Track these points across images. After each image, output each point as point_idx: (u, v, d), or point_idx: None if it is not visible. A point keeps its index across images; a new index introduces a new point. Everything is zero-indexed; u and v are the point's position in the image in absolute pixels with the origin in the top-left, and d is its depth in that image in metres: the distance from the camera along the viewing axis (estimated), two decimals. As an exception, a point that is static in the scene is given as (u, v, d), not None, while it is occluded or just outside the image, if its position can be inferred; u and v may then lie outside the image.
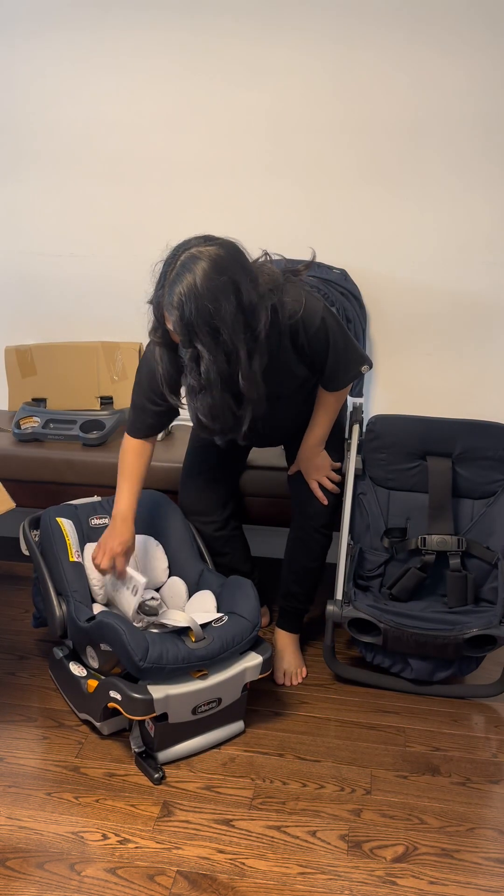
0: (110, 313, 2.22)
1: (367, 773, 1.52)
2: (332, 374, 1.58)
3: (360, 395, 1.99)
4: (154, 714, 1.41)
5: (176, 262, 1.28)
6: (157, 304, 1.32)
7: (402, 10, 1.87)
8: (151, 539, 1.78)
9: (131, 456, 1.62)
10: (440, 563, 1.75)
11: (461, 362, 2.09)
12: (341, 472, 1.78)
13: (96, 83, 2.07)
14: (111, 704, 1.46)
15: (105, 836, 1.36)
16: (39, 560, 1.66)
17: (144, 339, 2.31)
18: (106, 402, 2.23)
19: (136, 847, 1.34)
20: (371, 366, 1.65)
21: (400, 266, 2.04)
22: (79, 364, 2.22)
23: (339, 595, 1.70)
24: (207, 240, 1.30)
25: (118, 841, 1.35)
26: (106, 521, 1.75)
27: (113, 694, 1.45)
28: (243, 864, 1.31)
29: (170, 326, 1.31)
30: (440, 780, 1.51)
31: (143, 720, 1.46)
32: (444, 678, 1.73)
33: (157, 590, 1.76)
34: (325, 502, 1.73)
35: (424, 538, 1.75)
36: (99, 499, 1.81)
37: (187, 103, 2.04)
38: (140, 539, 1.75)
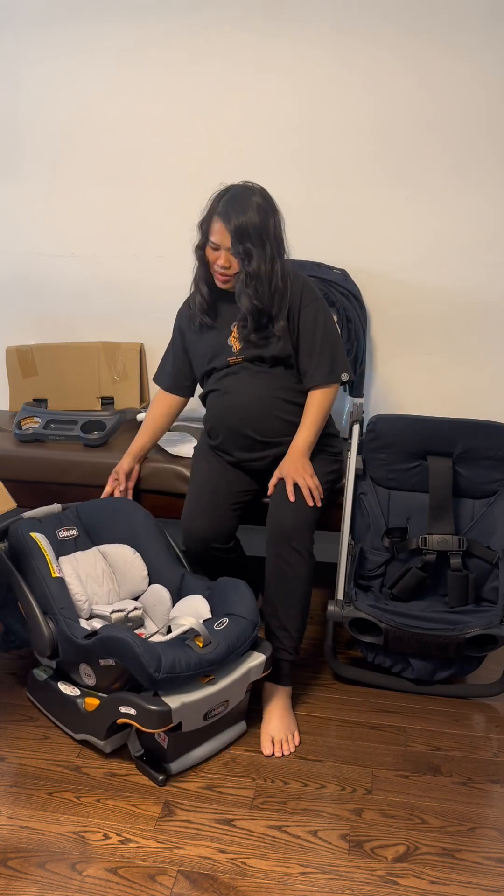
0: (111, 313, 2.22)
1: (368, 772, 1.53)
2: (312, 360, 1.70)
3: (360, 395, 2.00)
4: (172, 724, 1.38)
5: (227, 191, 1.64)
6: (208, 218, 1.65)
7: (406, 10, 1.88)
8: (128, 548, 1.74)
9: (156, 406, 1.91)
10: (441, 562, 1.75)
11: (461, 362, 2.09)
12: (332, 480, 1.76)
13: (97, 83, 2.07)
14: (122, 720, 1.42)
15: (106, 836, 1.36)
16: (18, 579, 1.58)
17: (145, 340, 2.32)
18: (107, 402, 2.24)
19: (138, 847, 1.34)
20: (352, 376, 1.72)
21: (400, 266, 2.05)
22: (80, 364, 2.22)
23: (339, 595, 1.70)
24: (250, 185, 1.67)
25: (119, 841, 1.35)
26: (73, 532, 1.74)
27: (125, 709, 1.40)
28: (244, 863, 1.31)
29: (214, 237, 1.63)
30: (441, 779, 1.51)
31: (156, 732, 1.42)
32: (445, 678, 1.74)
33: (137, 598, 1.73)
34: (292, 499, 1.62)
35: (425, 538, 1.75)
36: (60, 507, 1.78)
37: (188, 103, 2.05)
38: (115, 549, 1.74)
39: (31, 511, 1.75)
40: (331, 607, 1.68)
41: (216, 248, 1.65)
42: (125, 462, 1.86)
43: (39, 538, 1.63)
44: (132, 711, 1.39)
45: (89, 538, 1.78)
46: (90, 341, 2.24)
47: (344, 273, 1.95)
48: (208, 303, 1.75)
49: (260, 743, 1.58)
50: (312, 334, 1.71)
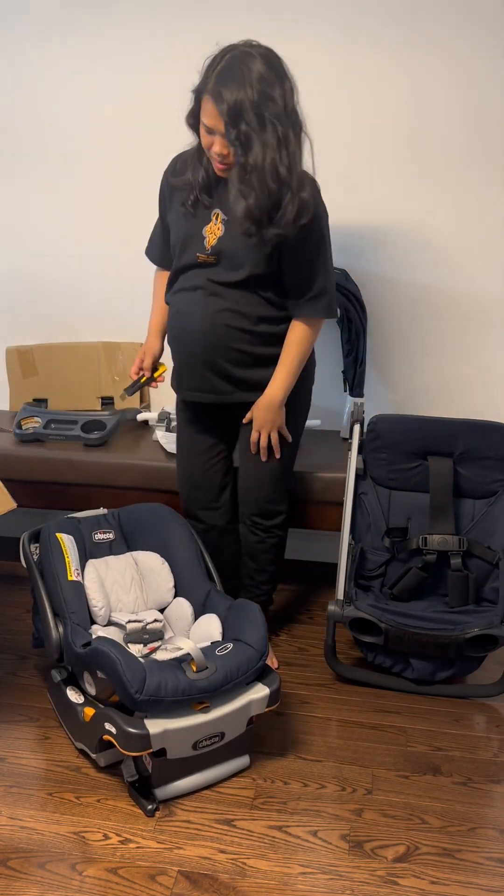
0: (111, 314, 2.23)
1: (368, 772, 1.53)
2: (305, 285, 1.50)
3: (360, 395, 2.00)
4: (151, 750, 1.33)
5: (222, 58, 1.35)
6: (199, 90, 1.39)
7: (403, 13, 1.89)
8: (157, 556, 1.71)
9: (157, 286, 1.77)
10: (441, 562, 1.76)
11: (461, 362, 2.10)
12: (302, 427, 1.71)
13: (96, 85, 2.08)
14: (106, 737, 1.38)
15: (106, 836, 1.36)
16: (37, 579, 1.58)
17: (145, 340, 2.31)
18: (107, 402, 2.24)
19: (138, 847, 1.34)
20: (337, 316, 1.63)
21: (400, 266, 2.05)
22: (80, 364, 2.22)
23: (340, 595, 1.71)
24: (254, 44, 1.38)
25: (119, 841, 1.35)
26: (110, 535, 1.72)
27: (108, 726, 1.36)
28: (244, 863, 1.32)
29: (207, 119, 1.38)
30: (441, 779, 1.52)
31: (140, 756, 1.37)
32: (446, 678, 1.74)
33: (162, 611, 1.69)
34: (254, 451, 1.61)
35: (426, 538, 1.75)
36: (105, 511, 1.77)
37: (187, 104, 2.06)
38: (145, 556, 1.71)
39: (77, 513, 1.74)
40: (331, 607, 1.68)
41: (210, 132, 1.39)
42: (152, 341, 1.78)
43: (64, 539, 1.61)
44: (113, 730, 1.34)
45: (125, 542, 1.76)
46: (90, 341, 2.24)
47: (344, 273, 1.95)
48: (205, 183, 1.49)
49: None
50: (314, 255, 1.48)
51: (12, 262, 2.23)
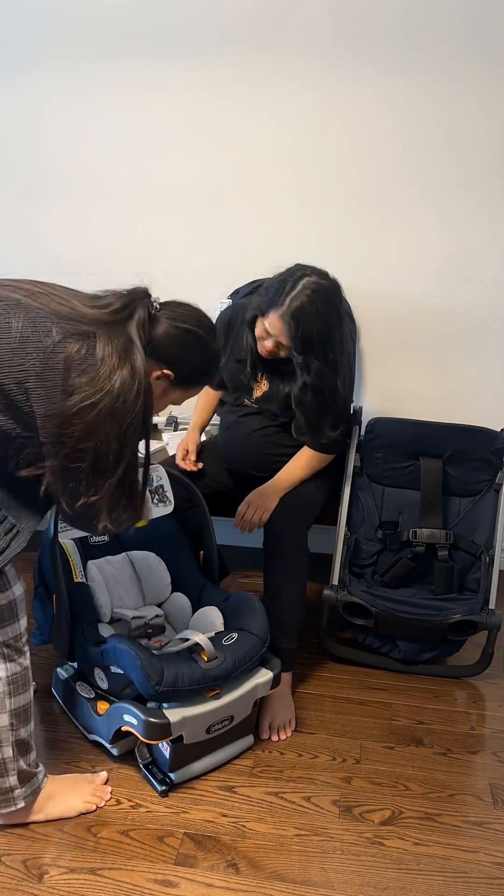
0: None
1: (357, 744, 1.61)
2: (312, 427, 1.68)
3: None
4: (171, 737, 1.38)
5: (297, 282, 1.52)
6: (268, 306, 1.55)
7: (394, 43, 1.95)
8: (153, 555, 1.77)
9: (201, 399, 1.95)
10: (429, 554, 1.84)
11: (446, 372, 2.17)
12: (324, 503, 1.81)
13: (111, 118, 2.15)
14: (125, 728, 1.42)
15: (119, 802, 1.44)
16: (50, 581, 1.59)
17: None
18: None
19: (147, 811, 1.42)
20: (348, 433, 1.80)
21: (389, 283, 2.12)
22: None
23: (335, 580, 1.78)
24: (322, 274, 1.56)
25: (131, 806, 1.43)
26: (105, 537, 1.75)
27: (128, 718, 1.40)
28: (244, 826, 1.40)
29: (271, 329, 1.55)
30: (424, 750, 1.61)
31: (157, 743, 1.42)
32: (429, 659, 1.83)
33: (161, 605, 1.74)
34: (235, 526, 1.70)
35: (415, 531, 1.83)
36: None
37: (194, 132, 2.12)
38: (140, 555, 1.76)
39: None
40: (326, 591, 1.76)
41: (268, 335, 1.59)
42: (192, 436, 1.91)
43: (66, 543, 1.64)
44: (133, 721, 1.39)
45: (119, 544, 1.79)
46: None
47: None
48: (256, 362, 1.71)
49: (258, 728, 1.61)
50: (327, 392, 1.66)
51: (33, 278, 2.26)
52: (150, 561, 1.77)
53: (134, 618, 1.64)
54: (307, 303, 1.51)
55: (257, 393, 1.76)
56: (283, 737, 1.63)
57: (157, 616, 1.67)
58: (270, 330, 1.57)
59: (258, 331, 1.63)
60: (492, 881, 1.32)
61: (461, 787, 1.52)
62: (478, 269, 2.08)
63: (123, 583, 1.73)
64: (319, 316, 1.51)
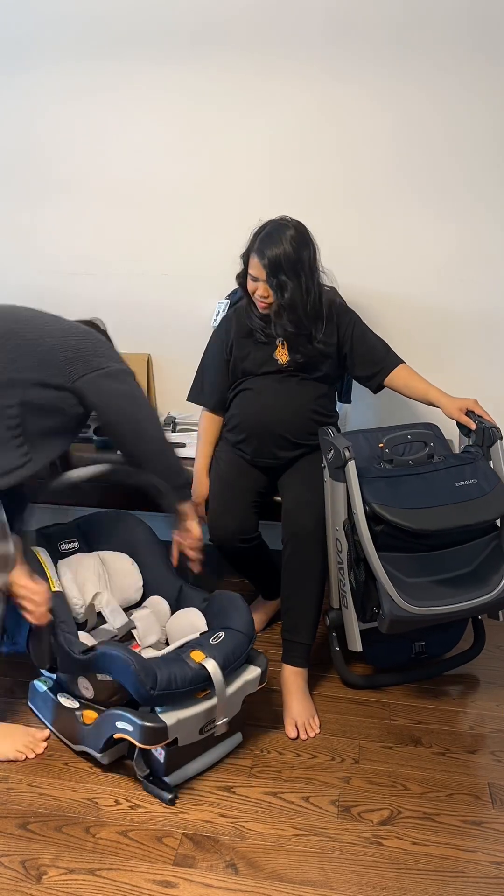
0: (120, 326, 2.25)
1: (355, 744, 1.62)
2: (379, 351, 1.83)
3: (348, 401, 2.04)
4: (168, 740, 1.37)
5: (264, 228, 1.72)
6: (247, 254, 1.75)
7: (388, 43, 1.95)
8: (127, 557, 1.74)
9: (207, 430, 1.91)
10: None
11: (446, 372, 2.14)
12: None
13: (109, 117, 2.15)
14: (118, 735, 1.40)
15: (117, 802, 1.44)
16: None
17: (152, 351, 2.42)
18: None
19: (146, 812, 1.42)
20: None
21: (384, 282, 2.12)
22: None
23: (334, 603, 1.73)
24: (287, 218, 1.76)
25: (129, 806, 1.43)
26: (74, 544, 1.75)
27: (121, 725, 1.38)
28: (243, 826, 1.40)
29: (252, 271, 1.73)
30: (422, 750, 1.61)
31: (153, 748, 1.40)
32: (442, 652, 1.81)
33: (134, 607, 1.73)
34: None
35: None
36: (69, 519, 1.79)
37: (191, 133, 2.12)
38: (115, 556, 1.75)
39: (45, 526, 1.75)
40: (332, 615, 1.72)
41: (255, 279, 1.73)
42: (201, 485, 1.84)
43: (40, 552, 1.64)
44: (128, 727, 1.37)
45: (89, 547, 1.78)
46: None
47: (333, 290, 1.99)
48: (263, 322, 1.80)
49: (285, 727, 1.63)
50: (365, 335, 1.84)
51: (32, 281, 2.27)
52: (121, 563, 1.76)
53: (103, 628, 1.64)
54: (274, 231, 1.70)
55: (283, 359, 1.80)
56: (311, 734, 1.64)
57: (129, 622, 1.67)
58: (252, 273, 1.73)
59: (249, 286, 1.76)
60: (490, 881, 1.32)
61: (460, 787, 1.52)
62: (477, 269, 2.08)
63: (94, 582, 1.70)
64: (285, 240, 1.68)
